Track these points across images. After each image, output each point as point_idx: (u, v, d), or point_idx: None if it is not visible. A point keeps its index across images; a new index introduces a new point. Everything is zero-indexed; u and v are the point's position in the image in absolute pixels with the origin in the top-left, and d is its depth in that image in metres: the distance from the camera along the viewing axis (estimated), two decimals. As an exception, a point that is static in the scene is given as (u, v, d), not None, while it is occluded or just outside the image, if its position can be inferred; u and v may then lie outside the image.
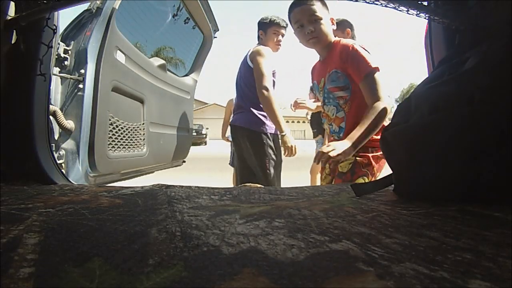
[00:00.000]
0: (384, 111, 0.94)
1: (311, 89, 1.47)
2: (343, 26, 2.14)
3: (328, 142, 1.13)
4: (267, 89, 1.57)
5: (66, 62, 1.34)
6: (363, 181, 1.02)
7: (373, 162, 1.05)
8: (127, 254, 0.34)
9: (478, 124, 0.52)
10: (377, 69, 0.99)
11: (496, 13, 0.69)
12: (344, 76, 1.04)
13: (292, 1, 1.11)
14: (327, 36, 1.07)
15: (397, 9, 0.80)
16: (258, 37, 1.81)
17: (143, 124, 1.80)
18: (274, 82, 1.72)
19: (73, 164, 1.29)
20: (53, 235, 0.41)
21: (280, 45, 1.80)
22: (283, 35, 1.79)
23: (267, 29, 1.76)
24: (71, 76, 1.31)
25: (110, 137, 1.49)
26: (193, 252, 0.34)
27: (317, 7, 1.04)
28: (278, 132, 1.65)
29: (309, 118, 3.26)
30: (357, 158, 1.04)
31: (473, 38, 0.70)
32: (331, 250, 0.35)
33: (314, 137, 3.23)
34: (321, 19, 1.05)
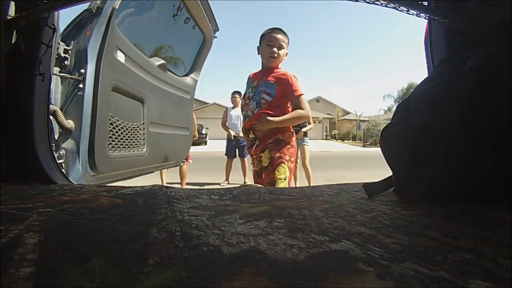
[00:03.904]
0: (303, 114, 1.43)
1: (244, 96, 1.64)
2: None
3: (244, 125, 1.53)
4: None
5: (66, 62, 1.33)
6: (284, 168, 1.38)
7: (284, 152, 1.42)
8: (127, 254, 0.34)
9: (478, 124, 0.52)
10: (301, 94, 1.44)
11: (496, 13, 0.69)
12: (274, 88, 1.43)
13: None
14: (279, 60, 1.49)
15: (397, 9, 0.80)
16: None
17: (143, 124, 1.80)
18: None
19: (73, 164, 1.29)
20: (53, 235, 0.41)
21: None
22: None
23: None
24: (71, 76, 1.31)
25: (110, 137, 1.49)
26: (193, 252, 0.34)
27: (286, 42, 1.48)
28: None
29: None
30: (272, 155, 1.41)
31: (473, 38, 0.70)
32: (331, 250, 0.35)
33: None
34: (284, 48, 1.47)
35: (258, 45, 1.51)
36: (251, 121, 1.44)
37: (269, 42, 1.45)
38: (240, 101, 4.13)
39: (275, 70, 1.47)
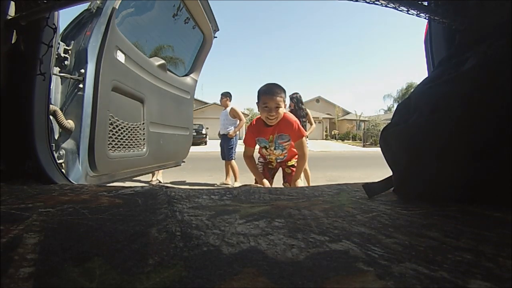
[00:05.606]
0: (306, 157, 1.69)
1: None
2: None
3: (274, 166, 1.86)
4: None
5: (66, 62, 1.33)
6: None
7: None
8: (127, 254, 0.34)
9: (478, 124, 0.52)
10: (304, 135, 1.66)
11: (496, 13, 0.69)
12: (288, 136, 1.65)
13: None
14: (280, 117, 1.58)
15: (397, 9, 0.80)
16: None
17: (143, 124, 1.80)
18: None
19: (73, 164, 1.29)
20: (53, 235, 0.41)
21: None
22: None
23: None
24: (71, 76, 1.31)
25: (110, 137, 1.49)
26: (193, 252, 0.34)
27: (282, 99, 1.53)
28: None
29: None
30: (292, 168, 1.80)
31: (473, 38, 0.70)
32: (331, 250, 0.35)
33: None
34: (281, 107, 1.53)
35: (257, 101, 1.59)
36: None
37: (266, 105, 1.51)
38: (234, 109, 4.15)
39: (281, 121, 1.59)
